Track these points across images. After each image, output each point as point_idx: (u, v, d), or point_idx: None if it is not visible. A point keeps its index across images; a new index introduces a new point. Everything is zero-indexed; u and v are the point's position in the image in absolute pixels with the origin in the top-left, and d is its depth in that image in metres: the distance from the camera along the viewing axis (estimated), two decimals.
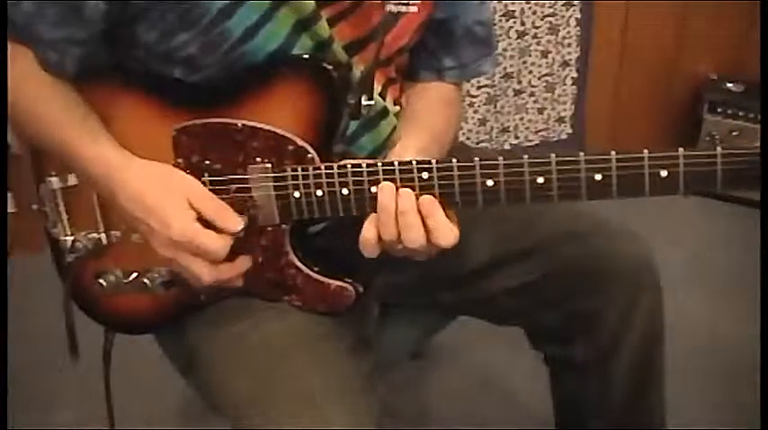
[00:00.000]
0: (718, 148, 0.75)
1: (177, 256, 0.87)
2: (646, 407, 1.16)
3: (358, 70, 0.93)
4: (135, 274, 0.96)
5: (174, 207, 0.86)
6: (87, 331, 1.05)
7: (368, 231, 0.85)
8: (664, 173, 0.76)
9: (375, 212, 0.84)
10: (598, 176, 0.78)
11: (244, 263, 0.91)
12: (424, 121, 1.02)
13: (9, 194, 1.88)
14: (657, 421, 1.18)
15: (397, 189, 0.82)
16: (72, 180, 0.96)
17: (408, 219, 0.82)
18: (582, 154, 0.78)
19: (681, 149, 0.75)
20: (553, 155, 0.79)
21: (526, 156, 0.79)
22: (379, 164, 0.84)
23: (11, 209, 1.86)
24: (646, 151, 0.76)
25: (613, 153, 0.77)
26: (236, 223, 0.87)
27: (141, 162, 0.89)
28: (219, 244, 0.86)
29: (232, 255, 0.89)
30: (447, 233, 0.82)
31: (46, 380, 1.73)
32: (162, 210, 0.85)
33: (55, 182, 0.96)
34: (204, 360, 0.98)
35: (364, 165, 0.84)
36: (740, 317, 1.82)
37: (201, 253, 0.86)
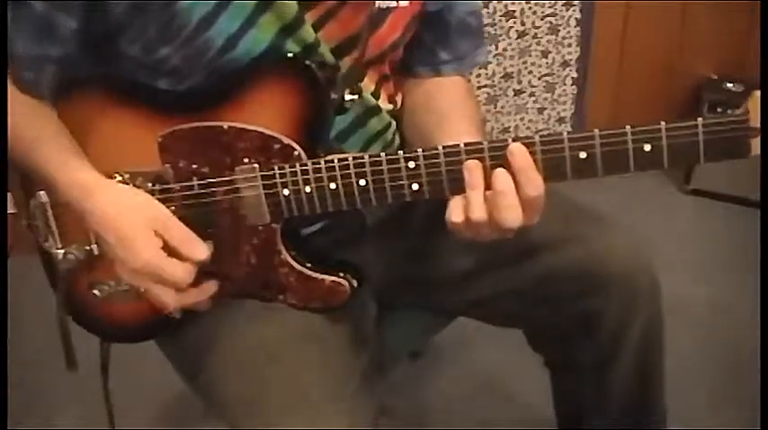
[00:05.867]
0: (699, 119, 0.75)
1: (143, 284, 0.87)
2: (647, 407, 1.16)
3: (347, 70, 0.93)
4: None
5: (140, 236, 0.85)
6: (87, 332, 1.05)
7: (455, 215, 0.83)
8: (647, 147, 0.77)
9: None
10: (583, 154, 0.78)
11: (210, 287, 0.90)
12: (462, 113, 1.02)
13: (9, 195, 1.88)
14: (658, 421, 1.19)
15: (486, 169, 0.80)
16: None
17: (508, 200, 0.79)
18: (565, 133, 0.78)
19: (663, 122, 0.76)
20: (537, 135, 0.79)
21: (510, 138, 0.79)
22: (366, 157, 0.84)
23: (11, 209, 1.86)
24: (628, 127, 0.77)
25: (596, 130, 0.78)
26: (201, 252, 0.86)
27: (112, 187, 0.88)
28: (183, 273, 0.85)
29: (201, 277, 0.88)
30: (513, 214, 0.80)
31: (46, 380, 1.73)
32: (128, 240, 0.85)
33: (44, 196, 0.96)
34: (201, 361, 0.98)
35: (350, 158, 0.84)
36: (740, 317, 1.82)
37: (165, 282, 0.86)
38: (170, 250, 0.86)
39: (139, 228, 0.85)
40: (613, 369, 1.10)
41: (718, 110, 2.29)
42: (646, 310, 1.07)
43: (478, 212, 0.80)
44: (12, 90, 0.90)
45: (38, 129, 0.91)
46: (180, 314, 0.91)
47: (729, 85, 2.33)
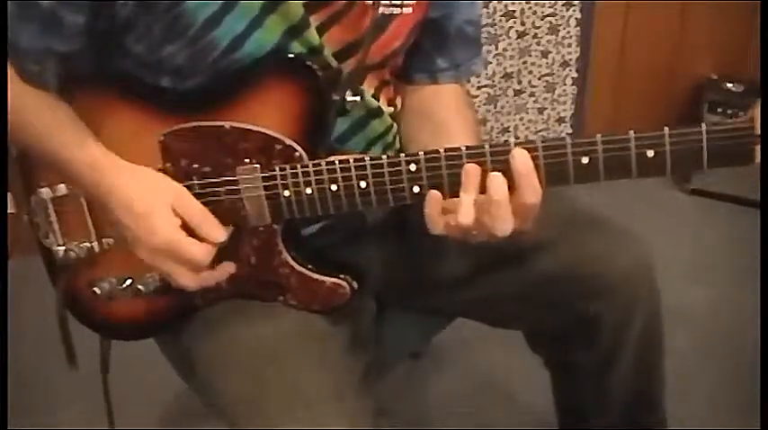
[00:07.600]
0: (703, 125, 0.75)
1: (160, 263, 0.87)
2: (647, 407, 1.17)
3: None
4: (129, 281, 0.95)
5: (160, 215, 0.85)
6: (88, 330, 1.05)
7: (432, 208, 0.82)
8: (650, 153, 0.76)
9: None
10: (585, 159, 0.78)
11: (226, 269, 0.91)
12: (458, 124, 1.03)
13: (9, 195, 1.88)
14: (658, 421, 1.19)
15: (486, 173, 0.79)
16: (62, 190, 0.96)
17: (501, 210, 0.78)
18: (568, 138, 0.78)
19: (666, 129, 0.76)
20: (539, 140, 0.78)
21: (512, 142, 0.79)
22: (367, 158, 0.84)
23: (11, 209, 1.86)
24: (632, 132, 0.76)
25: (599, 136, 0.77)
26: (220, 233, 0.87)
27: (129, 167, 0.89)
28: (202, 253, 0.86)
29: (216, 261, 0.89)
30: (505, 225, 0.79)
31: (46, 380, 1.73)
32: (148, 218, 0.85)
33: (45, 192, 0.96)
34: (200, 361, 0.98)
35: (352, 160, 0.84)
36: (740, 317, 1.82)
37: (184, 261, 0.86)
38: (188, 231, 0.86)
39: (159, 207, 0.86)
40: (613, 370, 1.10)
41: (719, 110, 2.30)
42: (645, 312, 1.07)
43: (466, 217, 0.80)
44: (17, 80, 0.89)
45: (49, 116, 0.90)
46: (201, 300, 0.91)
47: (729, 85, 2.34)
